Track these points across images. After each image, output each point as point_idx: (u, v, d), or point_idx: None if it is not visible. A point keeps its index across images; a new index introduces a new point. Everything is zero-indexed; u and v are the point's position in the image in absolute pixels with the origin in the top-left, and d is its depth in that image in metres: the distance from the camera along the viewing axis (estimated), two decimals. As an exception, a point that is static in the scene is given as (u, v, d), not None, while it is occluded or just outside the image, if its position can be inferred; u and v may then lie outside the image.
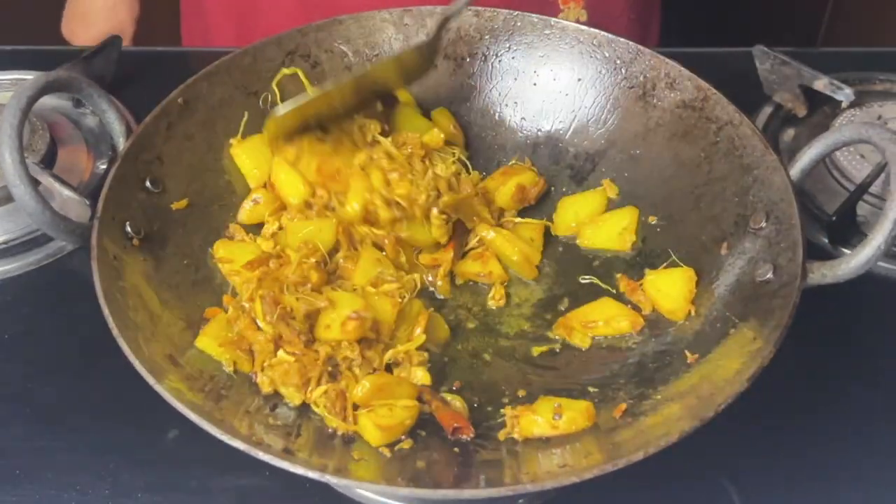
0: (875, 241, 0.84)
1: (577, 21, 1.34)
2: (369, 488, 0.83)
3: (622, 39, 1.10)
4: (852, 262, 0.85)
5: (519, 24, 1.13)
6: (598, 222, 1.08)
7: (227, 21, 1.53)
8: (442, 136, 1.08)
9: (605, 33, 1.10)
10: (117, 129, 1.02)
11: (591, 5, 1.45)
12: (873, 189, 1.14)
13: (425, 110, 1.14)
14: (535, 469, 0.82)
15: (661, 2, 1.62)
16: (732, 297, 0.93)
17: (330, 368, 0.91)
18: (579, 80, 1.12)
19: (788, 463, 0.96)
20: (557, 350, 0.98)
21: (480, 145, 1.16)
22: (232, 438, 0.76)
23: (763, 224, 0.94)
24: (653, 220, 1.06)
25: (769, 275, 0.90)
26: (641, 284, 1.01)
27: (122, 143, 1.01)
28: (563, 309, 1.01)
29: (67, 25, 1.64)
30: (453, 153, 1.09)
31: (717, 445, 0.86)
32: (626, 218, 1.07)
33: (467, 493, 0.76)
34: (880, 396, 1.02)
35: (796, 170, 0.95)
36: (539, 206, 1.12)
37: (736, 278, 0.94)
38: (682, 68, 1.06)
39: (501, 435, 0.88)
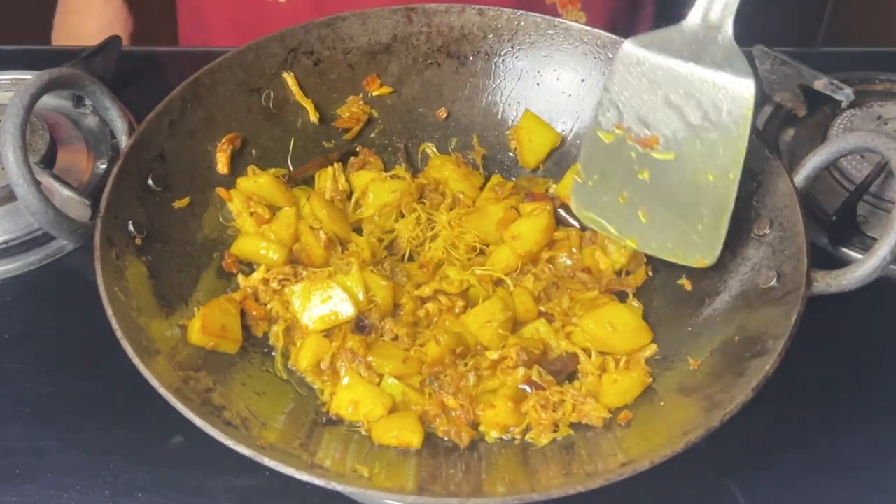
0: (881, 252, 0.84)
1: None
2: (372, 494, 0.83)
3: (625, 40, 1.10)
4: (857, 272, 0.86)
5: (522, 23, 1.13)
6: None
7: (227, 28, 1.53)
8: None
9: (609, 34, 1.10)
10: (120, 126, 1.01)
11: (588, 7, 1.45)
12: (873, 189, 1.15)
13: (429, 109, 1.15)
14: (539, 478, 0.82)
15: (656, 6, 1.63)
16: (736, 303, 0.93)
17: None
18: (583, 80, 1.12)
19: (794, 466, 0.97)
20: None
21: (482, 145, 1.16)
22: (237, 444, 0.76)
23: (767, 230, 0.94)
24: None
25: (773, 282, 0.90)
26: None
27: (124, 142, 1.00)
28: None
29: (58, 45, 1.61)
30: None
31: (722, 447, 0.86)
32: None
33: (470, 502, 0.76)
34: (883, 399, 1.03)
35: (801, 177, 0.95)
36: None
37: (739, 285, 0.94)
38: (686, 69, 1.06)
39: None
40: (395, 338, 0.97)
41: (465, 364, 0.95)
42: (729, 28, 0.96)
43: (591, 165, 1.02)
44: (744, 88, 0.93)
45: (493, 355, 0.94)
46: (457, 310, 0.99)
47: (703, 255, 0.96)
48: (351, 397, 0.91)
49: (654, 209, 0.99)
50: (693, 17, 0.96)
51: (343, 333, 0.96)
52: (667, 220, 0.98)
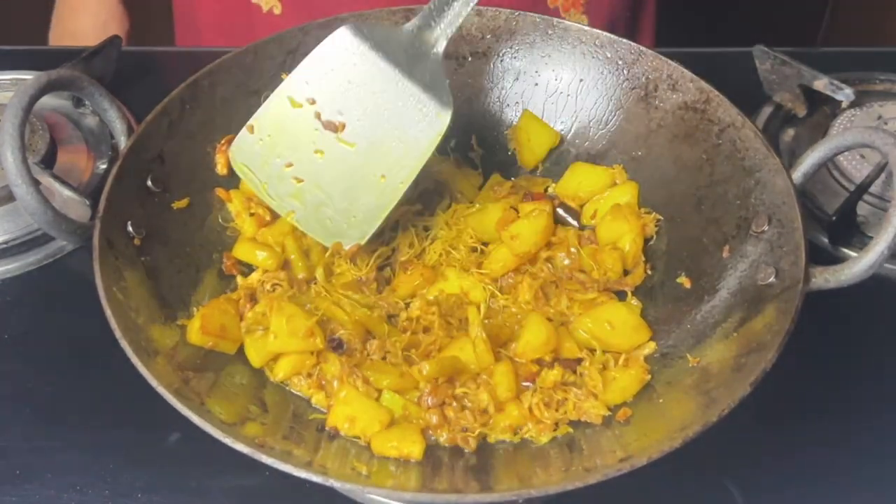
0: (878, 247, 0.84)
1: None
2: (372, 491, 0.83)
3: (624, 40, 1.10)
4: (855, 267, 0.85)
5: (521, 23, 1.13)
6: (600, 199, 1.09)
7: (220, 40, 1.53)
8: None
9: (608, 34, 1.10)
10: (119, 127, 1.02)
11: (589, 11, 1.46)
12: (873, 189, 1.15)
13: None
14: (539, 475, 0.82)
15: (657, 6, 1.63)
16: (734, 300, 0.93)
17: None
18: (581, 80, 1.12)
19: (792, 464, 0.97)
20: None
21: (481, 145, 1.16)
22: (235, 441, 0.76)
23: (765, 227, 0.94)
24: (659, 216, 1.06)
25: (771, 279, 0.90)
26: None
27: (123, 142, 1.00)
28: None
29: (55, 45, 1.61)
30: None
31: (722, 447, 0.86)
32: (627, 193, 1.08)
33: (469, 499, 0.76)
34: (884, 398, 1.03)
35: (799, 173, 0.95)
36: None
37: (738, 281, 0.94)
38: (685, 70, 1.06)
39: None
40: (384, 357, 0.95)
41: (463, 384, 0.93)
42: (440, 49, 1.00)
43: (267, 124, 1.01)
44: (440, 118, 0.99)
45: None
46: (452, 322, 0.98)
47: (350, 241, 1.00)
48: (348, 412, 0.89)
49: (317, 187, 1.00)
50: (412, 25, 1.00)
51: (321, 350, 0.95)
52: (325, 201, 1.01)
